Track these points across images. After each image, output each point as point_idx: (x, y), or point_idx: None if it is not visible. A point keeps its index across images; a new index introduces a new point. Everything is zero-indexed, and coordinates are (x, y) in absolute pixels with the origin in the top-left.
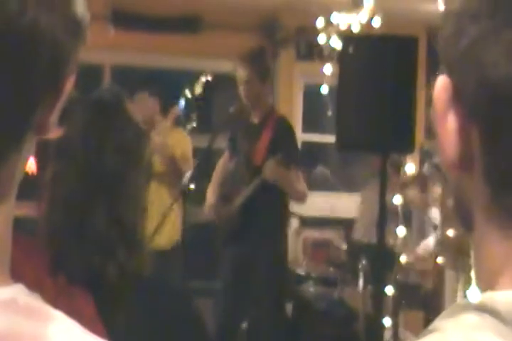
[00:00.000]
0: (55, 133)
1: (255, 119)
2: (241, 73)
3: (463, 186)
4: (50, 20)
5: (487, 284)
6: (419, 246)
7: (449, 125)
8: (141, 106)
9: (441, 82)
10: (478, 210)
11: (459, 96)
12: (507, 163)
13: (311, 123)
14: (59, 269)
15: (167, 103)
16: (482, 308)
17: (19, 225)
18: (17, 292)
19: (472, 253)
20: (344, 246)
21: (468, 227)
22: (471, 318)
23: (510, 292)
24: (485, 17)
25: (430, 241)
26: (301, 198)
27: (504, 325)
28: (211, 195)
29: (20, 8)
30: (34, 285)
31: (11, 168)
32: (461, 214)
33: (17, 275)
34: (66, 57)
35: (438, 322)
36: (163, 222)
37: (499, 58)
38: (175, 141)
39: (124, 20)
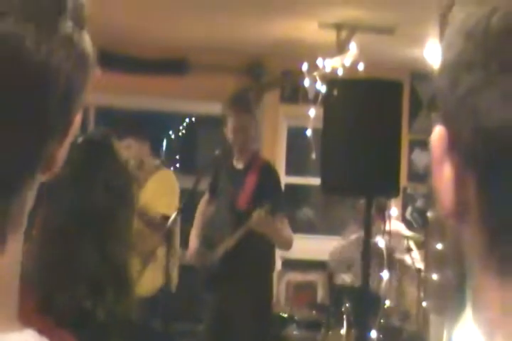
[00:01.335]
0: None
1: (239, 164)
2: (239, 118)
3: (459, 233)
4: (62, 57)
5: (485, 333)
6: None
7: (446, 174)
8: (129, 151)
9: (438, 132)
10: (475, 257)
11: (454, 145)
12: (503, 210)
13: (294, 166)
14: (47, 310)
15: (153, 144)
16: None
17: None
18: (28, 338)
19: (468, 299)
20: (327, 289)
21: (465, 274)
22: None
23: None
24: (479, 67)
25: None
26: (287, 246)
27: None
28: (193, 239)
29: (36, 45)
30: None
31: (21, 204)
32: (456, 260)
33: None
34: (76, 92)
35: None
36: (145, 265)
37: (493, 106)
38: (160, 183)
39: (110, 61)
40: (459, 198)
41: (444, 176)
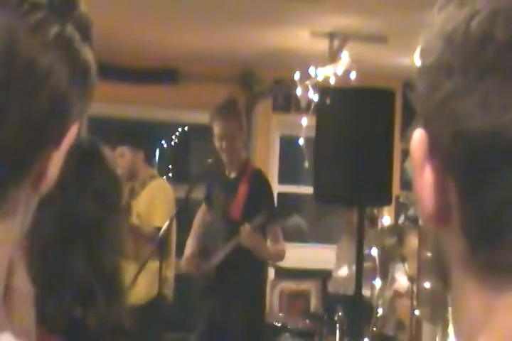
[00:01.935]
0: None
1: (232, 173)
2: (222, 127)
3: (440, 239)
4: (56, 57)
5: (466, 339)
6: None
7: (426, 178)
8: (123, 159)
9: (418, 136)
10: (455, 263)
11: (434, 150)
12: (484, 216)
13: (287, 175)
14: (38, 318)
15: (146, 153)
16: None
17: None
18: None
19: (450, 308)
20: (320, 298)
21: (446, 281)
22: None
23: None
24: (458, 72)
25: (401, 282)
26: (277, 259)
27: None
28: (189, 248)
29: (29, 39)
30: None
31: (5, 212)
32: (438, 267)
33: None
34: (71, 100)
35: None
36: (138, 275)
37: (473, 111)
38: (153, 194)
39: (102, 71)
40: (440, 203)
41: (425, 180)
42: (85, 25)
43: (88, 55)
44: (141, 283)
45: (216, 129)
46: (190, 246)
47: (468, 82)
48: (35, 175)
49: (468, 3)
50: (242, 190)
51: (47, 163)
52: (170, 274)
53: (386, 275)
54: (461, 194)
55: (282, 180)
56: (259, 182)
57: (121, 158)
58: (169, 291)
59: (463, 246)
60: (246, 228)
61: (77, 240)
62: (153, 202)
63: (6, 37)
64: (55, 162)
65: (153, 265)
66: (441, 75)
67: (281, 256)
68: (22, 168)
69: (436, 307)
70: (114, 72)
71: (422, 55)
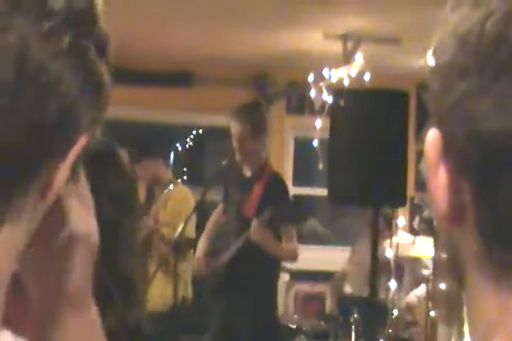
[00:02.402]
0: None
1: (248, 172)
2: (235, 129)
3: (455, 239)
4: (68, 64)
5: (481, 339)
6: (407, 296)
7: (440, 178)
8: (146, 170)
9: (432, 136)
10: (470, 264)
11: (448, 150)
12: (499, 216)
13: (301, 177)
14: None
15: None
16: None
17: None
18: (3, 339)
19: (465, 309)
20: (335, 300)
21: (461, 281)
22: None
23: None
24: (473, 73)
25: (418, 292)
26: (290, 259)
27: None
28: (201, 247)
29: (42, 44)
30: (24, 335)
31: (14, 218)
32: (453, 268)
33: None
34: (81, 110)
35: None
36: (155, 276)
37: (488, 112)
38: (179, 203)
39: (115, 74)
40: (454, 203)
41: (439, 180)
42: (103, 41)
43: (103, 69)
44: (160, 287)
45: (231, 130)
46: (202, 245)
47: (482, 83)
48: (42, 183)
49: (482, 4)
50: (258, 189)
51: (54, 173)
52: (189, 277)
53: (401, 276)
54: (476, 194)
55: (296, 182)
56: (275, 183)
57: (144, 169)
58: (189, 294)
59: (477, 246)
60: (254, 222)
61: None
62: (178, 210)
63: (18, 41)
64: (62, 173)
65: (180, 267)
66: (455, 76)
67: (293, 255)
68: (29, 173)
69: (452, 308)
70: (128, 75)
71: (435, 54)
